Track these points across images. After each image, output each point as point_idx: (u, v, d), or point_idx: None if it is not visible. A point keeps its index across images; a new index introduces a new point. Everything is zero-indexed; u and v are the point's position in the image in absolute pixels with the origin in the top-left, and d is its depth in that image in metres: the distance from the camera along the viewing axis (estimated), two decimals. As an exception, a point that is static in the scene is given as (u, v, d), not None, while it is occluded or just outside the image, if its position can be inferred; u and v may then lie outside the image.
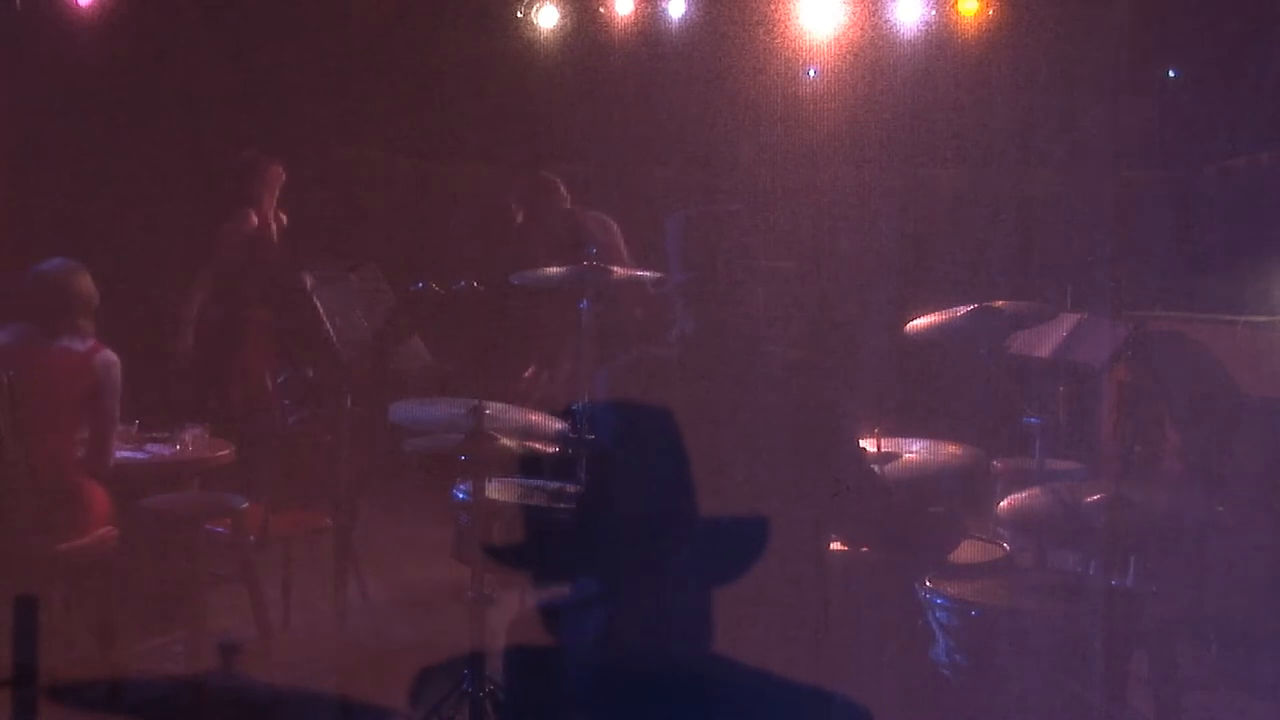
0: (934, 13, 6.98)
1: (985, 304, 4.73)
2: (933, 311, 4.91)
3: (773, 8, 6.85)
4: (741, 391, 3.26)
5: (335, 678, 5.03)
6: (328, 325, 5.46)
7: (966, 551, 4.31)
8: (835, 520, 3.37)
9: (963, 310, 4.76)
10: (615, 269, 5.19)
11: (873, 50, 6.93)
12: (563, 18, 7.51)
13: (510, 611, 4.25)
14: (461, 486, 4.44)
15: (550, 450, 4.21)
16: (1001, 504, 4.20)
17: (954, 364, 5.36)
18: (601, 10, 7.41)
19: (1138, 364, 5.08)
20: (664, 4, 7.32)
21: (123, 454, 5.33)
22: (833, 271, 6.68)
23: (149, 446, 5.49)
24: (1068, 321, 5.25)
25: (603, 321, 5.26)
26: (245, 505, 5.36)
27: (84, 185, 6.87)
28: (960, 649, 3.85)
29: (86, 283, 5.14)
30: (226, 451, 5.57)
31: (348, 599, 5.55)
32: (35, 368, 4.97)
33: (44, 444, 4.91)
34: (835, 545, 3.77)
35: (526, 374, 6.56)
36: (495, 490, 4.28)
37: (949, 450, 4.57)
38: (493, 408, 4.10)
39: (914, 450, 4.55)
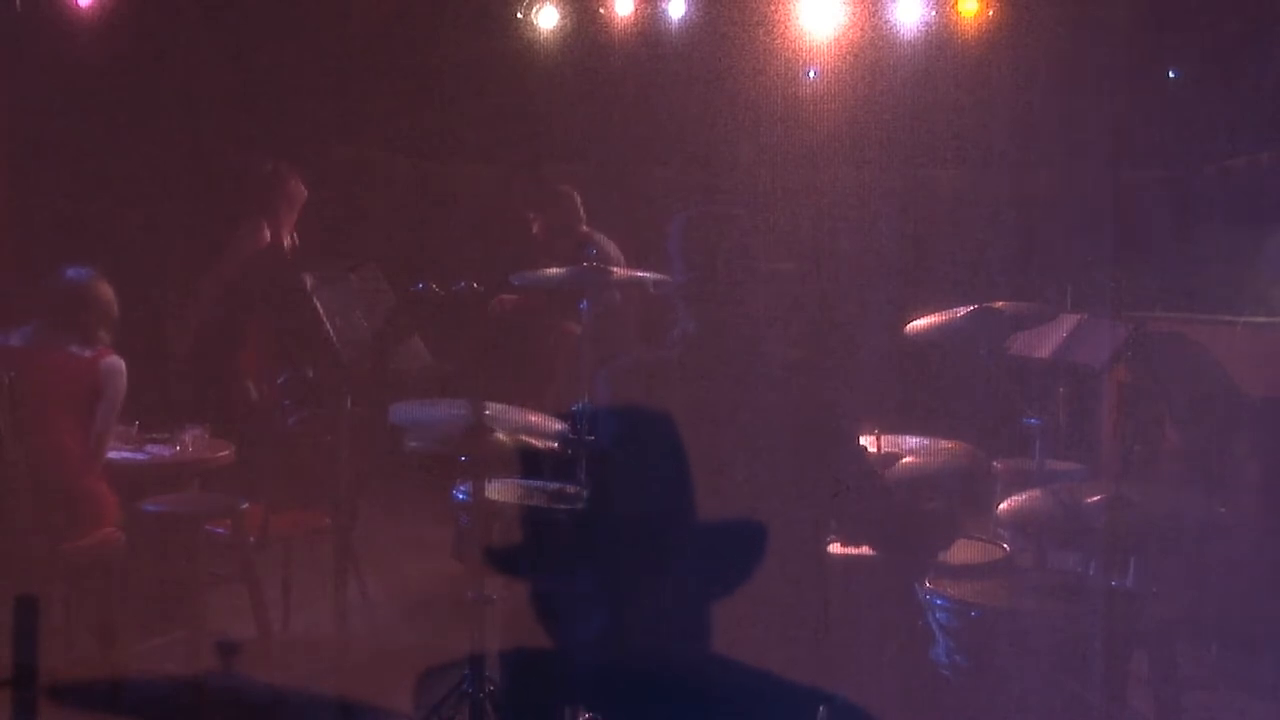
0: (934, 13, 6.98)
1: (985, 305, 4.73)
2: (933, 312, 4.91)
3: (773, 8, 6.85)
4: (742, 392, 3.26)
5: (335, 678, 5.03)
6: (328, 325, 5.45)
7: (967, 552, 4.31)
8: (835, 520, 3.37)
9: (963, 311, 4.76)
10: (615, 269, 5.19)
11: (873, 51, 6.93)
12: (563, 18, 7.50)
13: (510, 612, 4.25)
14: (461, 487, 4.44)
15: (550, 451, 4.20)
16: (1001, 505, 4.20)
17: (954, 365, 5.35)
18: (601, 10, 7.41)
19: (1138, 364, 5.07)
20: (664, 4, 7.31)
21: (123, 454, 5.34)
22: (833, 272, 6.68)
23: (149, 447, 5.49)
24: (1068, 322, 5.25)
25: (603, 322, 5.27)
26: (245, 505, 5.36)
27: (84, 185, 6.87)
28: (960, 650, 3.85)
29: (107, 293, 5.17)
30: (226, 452, 5.57)
31: (348, 599, 5.55)
32: (37, 368, 4.98)
33: (45, 444, 4.91)
34: (835, 545, 3.77)
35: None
36: (495, 491, 4.28)
37: (949, 451, 4.57)
38: (493, 408, 4.09)
39: (914, 451, 4.55)
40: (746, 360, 3.31)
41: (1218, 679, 4.80)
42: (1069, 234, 6.59)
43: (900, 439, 4.71)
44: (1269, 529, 4.70)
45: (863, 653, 3.75)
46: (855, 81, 6.89)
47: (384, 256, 6.22)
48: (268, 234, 6.35)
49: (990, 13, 6.96)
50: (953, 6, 7.01)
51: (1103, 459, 5.83)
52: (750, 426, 3.21)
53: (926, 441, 4.70)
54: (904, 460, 4.46)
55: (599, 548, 2.48)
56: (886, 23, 6.98)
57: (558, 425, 4.09)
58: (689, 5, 7.28)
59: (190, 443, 5.49)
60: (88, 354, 5.08)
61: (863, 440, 4.27)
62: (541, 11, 7.52)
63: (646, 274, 5.22)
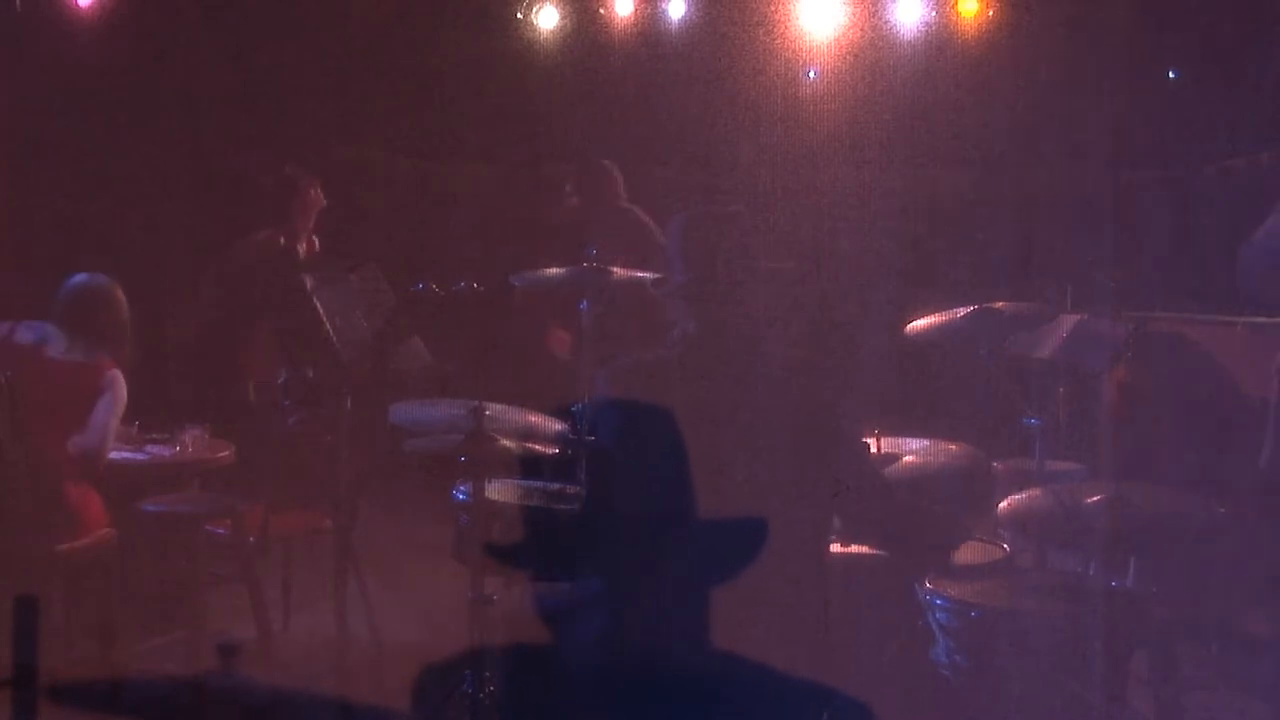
0: (934, 13, 6.98)
1: (985, 305, 4.73)
2: (933, 312, 4.91)
3: (773, 8, 6.84)
4: (742, 392, 3.27)
5: (335, 678, 5.03)
6: (328, 325, 5.45)
7: (966, 552, 4.31)
8: (840, 520, 3.38)
9: (963, 311, 4.76)
10: (615, 269, 5.19)
11: (873, 51, 6.92)
12: (563, 18, 7.51)
13: (510, 612, 4.25)
14: (461, 487, 4.44)
15: (550, 451, 4.20)
16: (1001, 505, 4.20)
17: (954, 365, 5.35)
18: (601, 11, 7.41)
19: (1138, 364, 5.07)
20: (664, 4, 7.31)
21: (123, 454, 5.33)
22: (833, 272, 6.67)
23: (149, 447, 5.49)
24: (1068, 322, 5.24)
25: (603, 322, 5.27)
26: (245, 505, 5.36)
27: (84, 185, 6.87)
28: (960, 650, 3.85)
29: (120, 303, 5.16)
30: (226, 452, 5.57)
31: (348, 599, 5.55)
32: (37, 369, 4.97)
33: (41, 446, 4.91)
34: (835, 545, 3.77)
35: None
36: (495, 491, 4.28)
37: (949, 451, 4.57)
38: (493, 408, 4.10)
39: (914, 451, 4.55)
40: (746, 360, 3.31)
41: (1218, 679, 4.80)
42: (1069, 234, 6.58)
43: (900, 440, 4.71)
44: (1269, 529, 4.69)
45: (863, 653, 3.75)
46: (855, 81, 6.88)
47: (384, 256, 6.22)
48: (280, 241, 6.32)
49: (990, 13, 6.96)
50: (953, 6, 7.01)
51: (1103, 459, 5.82)
52: (750, 426, 3.22)
53: (927, 442, 4.70)
54: (904, 460, 4.47)
55: (599, 548, 2.47)
56: (886, 23, 6.97)
57: (557, 425, 4.09)
58: (689, 5, 7.28)
59: (190, 443, 5.49)
60: (89, 361, 5.07)
61: (864, 440, 4.27)
62: (541, 11, 7.52)
63: (646, 274, 5.22)
